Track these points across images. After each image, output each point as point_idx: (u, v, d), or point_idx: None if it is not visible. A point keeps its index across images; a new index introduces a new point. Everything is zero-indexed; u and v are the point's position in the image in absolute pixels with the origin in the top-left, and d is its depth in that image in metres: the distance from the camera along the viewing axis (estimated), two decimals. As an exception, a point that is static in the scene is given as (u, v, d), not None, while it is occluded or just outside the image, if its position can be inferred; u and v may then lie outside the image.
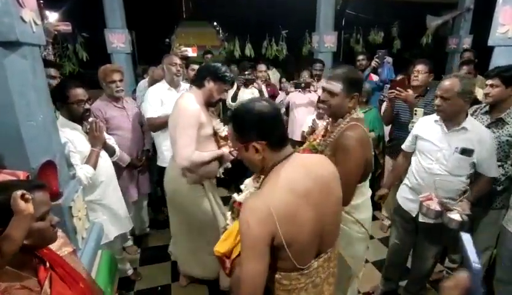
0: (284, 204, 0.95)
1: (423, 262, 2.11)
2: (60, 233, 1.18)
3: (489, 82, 2.00)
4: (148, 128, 2.71)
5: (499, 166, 1.94)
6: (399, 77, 2.89)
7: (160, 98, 2.56)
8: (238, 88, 3.55)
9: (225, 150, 2.07)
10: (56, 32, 3.11)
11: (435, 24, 5.76)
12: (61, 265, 1.06)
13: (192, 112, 1.90)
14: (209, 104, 2.04)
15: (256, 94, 3.65)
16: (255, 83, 3.67)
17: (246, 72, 3.69)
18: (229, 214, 1.40)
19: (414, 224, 2.05)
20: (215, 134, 2.09)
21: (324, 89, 1.60)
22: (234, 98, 3.56)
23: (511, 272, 1.88)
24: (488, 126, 1.98)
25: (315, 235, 1.03)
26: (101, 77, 2.51)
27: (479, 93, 2.90)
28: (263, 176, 1.10)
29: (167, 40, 9.66)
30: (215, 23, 9.81)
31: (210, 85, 1.96)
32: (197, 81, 2.00)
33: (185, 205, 2.14)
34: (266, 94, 3.74)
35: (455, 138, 1.82)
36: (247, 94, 3.65)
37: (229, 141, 2.02)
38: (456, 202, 1.84)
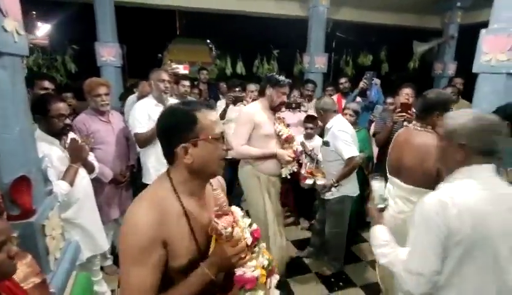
0: None
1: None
2: (29, 260, 1.08)
3: None
4: (136, 144, 2.63)
5: None
6: (404, 99, 2.82)
7: (147, 113, 2.50)
8: (227, 106, 3.53)
9: (279, 151, 2.34)
10: (32, 46, 3.05)
11: (421, 49, 5.97)
12: None
13: (245, 113, 2.37)
14: (273, 108, 2.36)
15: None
16: (243, 101, 3.65)
17: (237, 89, 3.67)
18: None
19: None
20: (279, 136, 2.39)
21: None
22: (223, 116, 3.53)
23: None
24: None
25: None
26: (87, 90, 2.45)
27: None
28: None
29: (159, 55, 9.70)
30: (208, 41, 9.92)
31: (269, 91, 2.31)
32: (261, 91, 2.43)
33: (246, 193, 2.51)
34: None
35: (326, 135, 2.58)
36: (235, 111, 3.61)
37: (291, 144, 2.40)
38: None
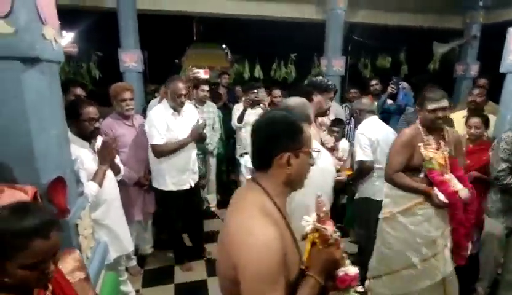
0: None
1: None
2: (76, 254, 1.13)
3: None
4: (153, 154, 2.58)
5: None
6: None
7: (166, 123, 2.49)
8: (245, 109, 3.54)
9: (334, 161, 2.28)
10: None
11: (442, 50, 5.83)
12: (65, 293, 0.97)
13: None
14: (319, 114, 2.26)
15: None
16: (261, 104, 3.67)
17: (255, 90, 3.66)
18: None
19: None
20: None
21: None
22: (240, 119, 3.54)
23: None
24: None
25: None
26: (112, 95, 2.53)
27: (491, 119, 2.85)
28: None
29: (176, 60, 9.88)
30: (224, 46, 10.04)
31: (317, 98, 2.16)
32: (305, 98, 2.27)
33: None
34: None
35: None
36: (252, 115, 3.61)
37: (334, 152, 2.39)
38: None
